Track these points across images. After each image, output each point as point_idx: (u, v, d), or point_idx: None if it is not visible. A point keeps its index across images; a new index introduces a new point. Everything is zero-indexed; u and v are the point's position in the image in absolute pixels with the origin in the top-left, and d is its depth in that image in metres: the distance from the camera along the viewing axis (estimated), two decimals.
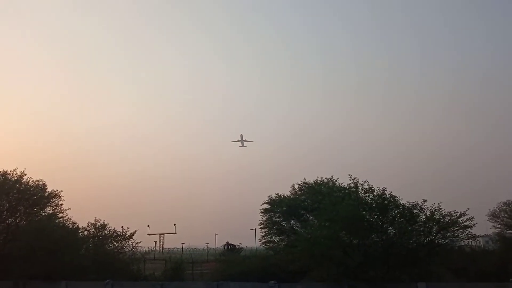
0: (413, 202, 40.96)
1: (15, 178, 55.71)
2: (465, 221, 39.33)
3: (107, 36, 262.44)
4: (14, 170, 55.65)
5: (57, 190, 58.10)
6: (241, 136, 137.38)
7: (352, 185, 44.79)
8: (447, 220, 39.66)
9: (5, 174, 55.46)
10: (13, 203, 54.55)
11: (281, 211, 69.75)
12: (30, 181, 56.71)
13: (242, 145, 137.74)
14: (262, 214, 72.02)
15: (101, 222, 53.08)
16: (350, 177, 45.20)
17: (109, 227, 53.17)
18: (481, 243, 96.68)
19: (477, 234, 41.89)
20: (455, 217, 39.47)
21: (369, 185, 43.04)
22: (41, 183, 57.41)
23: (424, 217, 40.54)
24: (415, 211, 40.67)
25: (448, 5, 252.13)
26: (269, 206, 71.46)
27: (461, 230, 39.89)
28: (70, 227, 55.43)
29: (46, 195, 57.48)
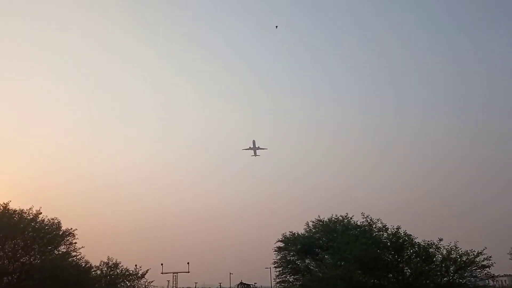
0: (428, 241, 40.25)
1: (31, 216, 56.15)
2: (483, 261, 38.39)
3: (120, 76, 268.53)
4: (30, 209, 56.22)
5: (71, 228, 58.45)
6: (254, 142, 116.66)
7: (366, 223, 44.35)
8: (464, 259, 38.71)
9: (21, 213, 55.94)
10: (28, 242, 54.78)
11: (296, 249, 68.82)
12: (45, 220, 57.14)
13: (255, 154, 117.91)
14: (276, 252, 71.22)
15: (114, 261, 53.13)
16: (363, 215, 44.85)
17: (121, 266, 53.15)
18: (507, 282, 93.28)
19: (497, 274, 40.66)
20: (472, 256, 38.54)
21: (383, 223, 42.64)
22: (56, 221, 57.81)
23: (440, 256, 39.67)
24: (431, 250, 39.87)
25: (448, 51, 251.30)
26: (283, 244, 70.69)
27: (479, 270, 38.88)
28: (83, 266, 55.41)
29: (60, 233, 57.71)
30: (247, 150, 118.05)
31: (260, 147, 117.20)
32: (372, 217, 44.11)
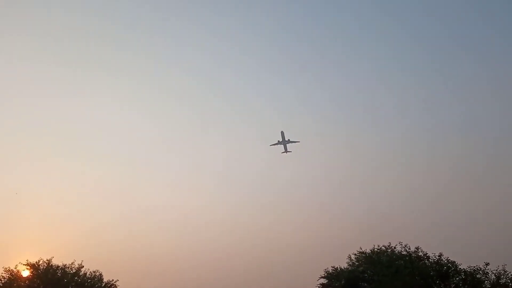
0: (474, 266, 38.09)
1: (73, 270, 57.45)
2: None
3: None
4: (72, 263, 57.72)
5: (113, 280, 59.33)
6: (282, 134, 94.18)
7: (405, 252, 42.68)
8: None
9: (64, 268, 57.34)
10: None
11: (340, 285, 66.49)
12: (88, 273, 58.37)
13: (286, 150, 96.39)
14: None
15: None
16: (401, 244, 43.29)
17: None
18: None
19: None
20: None
21: (423, 252, 40.93)
22: (97, 273, 58.98)
23: (489, 282, 37.33)
24: (478, 276, 37.60)
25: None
26: (327, 281, 68.50)
27: None
28: None
29: (102, 286, 58.63)
30: (275, 146, 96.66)
31: (290, 140, 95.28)
32: (410, 246, 42.35)
